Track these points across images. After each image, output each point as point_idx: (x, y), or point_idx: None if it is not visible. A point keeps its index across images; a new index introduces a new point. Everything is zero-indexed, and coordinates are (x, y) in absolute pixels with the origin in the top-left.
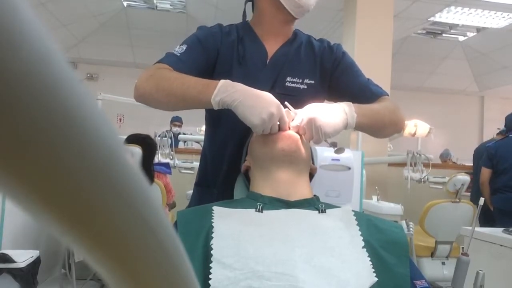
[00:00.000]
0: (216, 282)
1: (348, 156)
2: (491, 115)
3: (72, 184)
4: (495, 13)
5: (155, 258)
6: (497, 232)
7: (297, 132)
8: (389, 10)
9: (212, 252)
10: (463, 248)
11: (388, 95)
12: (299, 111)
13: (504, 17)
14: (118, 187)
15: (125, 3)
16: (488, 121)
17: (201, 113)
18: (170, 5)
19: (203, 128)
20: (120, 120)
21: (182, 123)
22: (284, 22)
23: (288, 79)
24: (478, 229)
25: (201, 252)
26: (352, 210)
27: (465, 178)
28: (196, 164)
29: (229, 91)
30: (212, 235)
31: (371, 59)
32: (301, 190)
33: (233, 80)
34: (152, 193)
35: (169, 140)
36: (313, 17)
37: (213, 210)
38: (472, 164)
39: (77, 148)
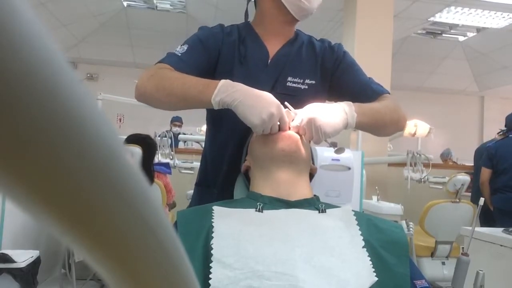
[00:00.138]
0: (216, 282)
1: (348, 156)
2: (491, 115)
3: (72, 184)
4: (495, 13)
5: (155, 258)
6: (497, 232)
7: (297, 132)
8: (389, 10)
9: (212, 252)
10: (463, 248)
11: (389, 93)
12: (299, 111)
13: (504, 17)
14: (118, 187)
15: (125, 3)
16: (488, 121)
17: (201, 113)
18: (170, 5)
19: (203, 128)
20: (120, 120)
21: (182, 123)
22: (286, 23)
23: (289, 79)
24: (478, 229)
25: (201, 252)
26: (352, 210)
27: (465, 178)
28: (196, 164)
29: (229, 91)
30: (212, 235)
31: (371, 59)
32: (301, 190)
33: (234, 80)
34: (152, 193)
35: (169, 140)
36: (313, 17)
37: (213, 210)
38: (472, 164)
39: (77, 148)
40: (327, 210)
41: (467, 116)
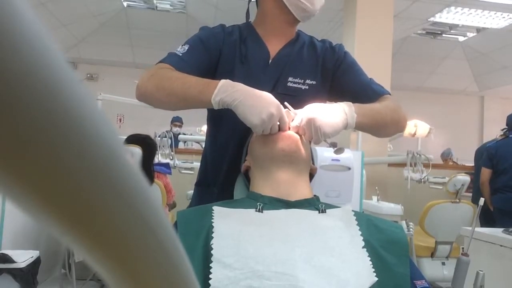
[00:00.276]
0: (216, 282)
1: (348, 156)
2: (491, 115)
3: (72, 184)
4: (495, 13)
5: (155, 258)
6: (497, 232)
7: (297, 132)
8: (389, 10)
9: (212, 252)
10: (463, 248)
11: (390, 94)
12: (298, 111)
13: (504, 17)
14: (118, 187)
15: (125, 3)
16: (488, 121)
17: (201, 113)
18: (170, 5)
19: (203, 128)
20: (120, 120)
21: (182, 123)
22: (287, 23)
23: (290, 79)
24: (478, 229)
25: (201, 252)
26: (352, 210)
27: (465, 178)
28: (196, 164)
29: (229, 91)
30: (212, 235)
31: (371, 59)
32: (301, 190)
33: (235, 80)
34: (152, 193)
35: (169, 140)
36: (313, 17)
37: (213, 210)
38: (472, 164)
39: (77, 148)
40: (327, 210)
41: (467, 116)
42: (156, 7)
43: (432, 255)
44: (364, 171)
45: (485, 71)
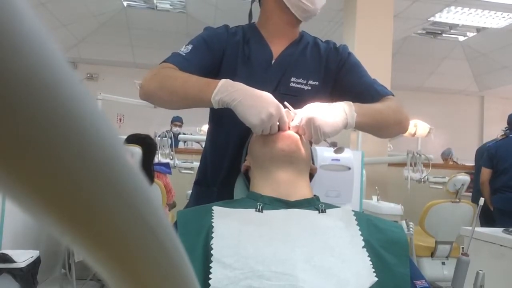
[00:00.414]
0: (216, 282)
1: (348, 156)
2: (491, 115)
3: (72, 184)
4: (495, 13)
5: (155, 258)
6: (497, 232)
7: (297, 132)
8: (389, 10)
9: (212, 252)
10: (463, 248)
11: (393, 95)
12: (298, 111)
13: (504, 17)
14: (118, 187)
15: (125, 3)
16: (488, 121)
17: (201, 113)
18: (170, 5)
19: (203, 128)
20: (120, 120)
21: (182, 123)
22: (290, 24)
23: (293, 79)
24: (478, 229)
25: (201, 252)
26: (352, 210)
27: (465, 178)
28: (196, 164)
29: (229, 91)
30: (212, 235)
31: (371, 59)
32: (301, 190)
33: (237, 80)
34: (152, 193)
35: (169, 140)
36: (313, 17)
37: (213, 210)
38: (472, 164)
39: (77, 148)
40: (327, 210)
41: (467, 116)
42: (156, 7)
43: (432, 255)
44: (364, 171)
45: (485, 71)
